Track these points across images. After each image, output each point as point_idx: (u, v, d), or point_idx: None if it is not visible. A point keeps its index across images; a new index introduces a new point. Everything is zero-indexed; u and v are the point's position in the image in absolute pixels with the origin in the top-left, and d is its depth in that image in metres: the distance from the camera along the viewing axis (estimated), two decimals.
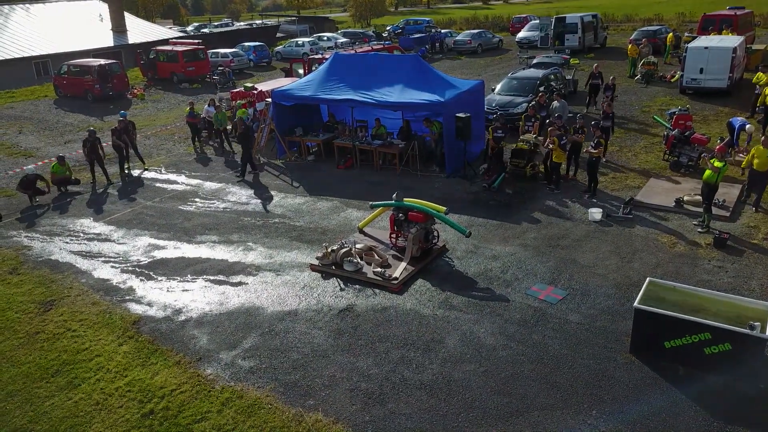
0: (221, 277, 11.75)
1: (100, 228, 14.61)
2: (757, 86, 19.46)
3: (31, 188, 16.29)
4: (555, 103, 18.21)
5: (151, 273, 12.11)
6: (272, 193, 16.20)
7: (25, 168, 16.60)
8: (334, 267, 11.58)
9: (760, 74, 19.94)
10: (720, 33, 27.58)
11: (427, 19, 57.37)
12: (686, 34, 32.85)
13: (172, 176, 18.17)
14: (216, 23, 77.06)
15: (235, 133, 21.55)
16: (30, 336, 10.17)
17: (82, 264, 12.71)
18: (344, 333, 9.68)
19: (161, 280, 11.83)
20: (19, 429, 8.09)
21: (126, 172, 18.35)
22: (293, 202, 15.39)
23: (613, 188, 14.83)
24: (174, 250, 13.11)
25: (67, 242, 13.88)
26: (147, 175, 18.48)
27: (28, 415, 8.32)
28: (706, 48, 22.24)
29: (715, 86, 22.03)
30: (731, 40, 23.22)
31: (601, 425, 7.48)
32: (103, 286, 11.69)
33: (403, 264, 11.46)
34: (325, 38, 45.22)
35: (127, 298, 11.21)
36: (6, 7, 45.38)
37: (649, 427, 7.42)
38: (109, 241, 13.81)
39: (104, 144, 18.55)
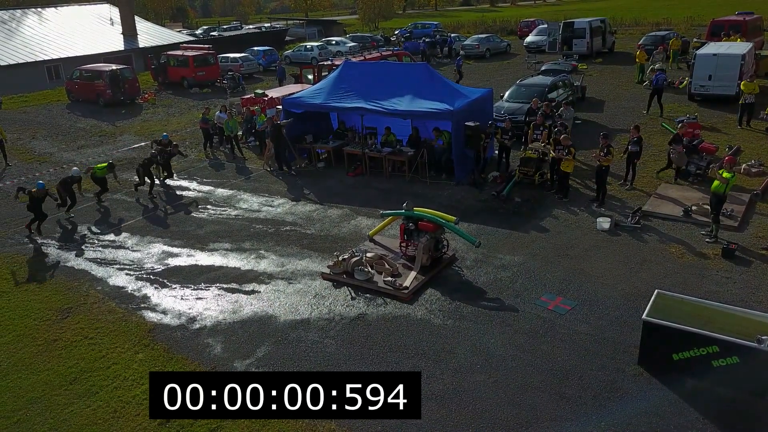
0: (234, 285, 11.95)
1: (114, 235, 14.85)
2: (748, 96, 19.37)
3: (68, 191, 15.87)
4: (562, 110, 18.31)
5: (165, 281, 12.32)
6: (283, 200, 16.40)
7: (70, 169, 16.29)
8: (345, 276, 11.74)
9: (745, 82, 19.88)
10: (729, 38, 27.54)
11: (435, 22, 57.51)
12: (694, 39, 32.80)
13: (184, 182, 18.40)
14: (225, 26, 77.53)
15: (246, 140, 21.86)
16: (48, 343, 10.40)
17: (98, 271, 12.94)
18: (356, 342, 9.83)
19: (175, 287, 12.04)
20: None
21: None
22: (304, 210, 15.58)
23: (622, 197, 14.92)
24: (187, 257, 13.32)
25: (82, 249, 14.12)
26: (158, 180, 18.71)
27: (48, 422, 8.53)
28: (714, 55, 22.29)
29: (724, 93, 22.03)
30: (740, 47, 23.23)
31: None
32: (119, 294, 11.91)
33: (413, 273, 11.61)
34: (334, 42, 45.48)
35: (143, 305, 11.42)
36: (19, 11, 45.96)
37: None
38: (124, 248, 14.04)
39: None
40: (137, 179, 17.48)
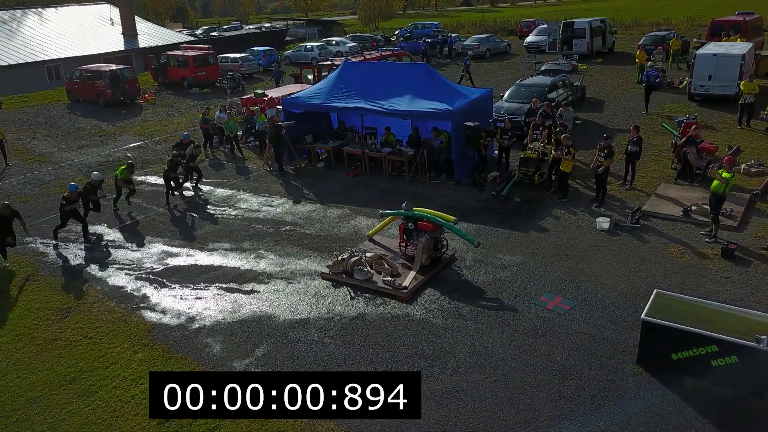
0: (233, 285, 11.95)
1: (113, 235, 14.86)
2: (748, 96, 19.37)
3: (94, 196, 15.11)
4: (561, 110, 18.30)
5: (165, 280, 12.33)
6: (283, 200, 16.41)
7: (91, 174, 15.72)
8: (344, 275, 11.75)
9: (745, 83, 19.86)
10: (729, 38, 27.53)
11: (435, 23, 57.50)
12: (694, 39, 32.81)
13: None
14: (225, 26, 77.55)
15: (246, 140, 21.87)
16: (48, 343, 10.40)
17: (97, 271, 12.95)
18: (355, 342, 9.84)
19: (175, 287, 12.04)
20: None
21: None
22: (303, 210, 15.59)
23: (622, 197, 14.92)
24: (187, 257, 13.32)
25: (81, 249, 14.13)
26: (159, 181, 18.65)
27: (47, 421, 8.53)
28: (714, 55, 22.30)
29: (724, 93, 22.04)
30: (740, 47, 23.23)
31: None
32: (118, 294, 11.92)
33: (413, 273, 11.61)
34: (334, 42, 45.51)
35: (142, 305, 11.43)
36: (19, 11, 45.98)
37: None
38: (123, 248, 14.05)
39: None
40: (184, 182, 17.31)
